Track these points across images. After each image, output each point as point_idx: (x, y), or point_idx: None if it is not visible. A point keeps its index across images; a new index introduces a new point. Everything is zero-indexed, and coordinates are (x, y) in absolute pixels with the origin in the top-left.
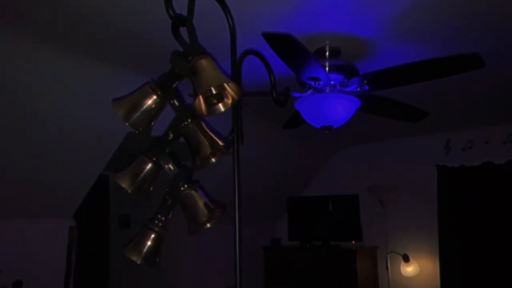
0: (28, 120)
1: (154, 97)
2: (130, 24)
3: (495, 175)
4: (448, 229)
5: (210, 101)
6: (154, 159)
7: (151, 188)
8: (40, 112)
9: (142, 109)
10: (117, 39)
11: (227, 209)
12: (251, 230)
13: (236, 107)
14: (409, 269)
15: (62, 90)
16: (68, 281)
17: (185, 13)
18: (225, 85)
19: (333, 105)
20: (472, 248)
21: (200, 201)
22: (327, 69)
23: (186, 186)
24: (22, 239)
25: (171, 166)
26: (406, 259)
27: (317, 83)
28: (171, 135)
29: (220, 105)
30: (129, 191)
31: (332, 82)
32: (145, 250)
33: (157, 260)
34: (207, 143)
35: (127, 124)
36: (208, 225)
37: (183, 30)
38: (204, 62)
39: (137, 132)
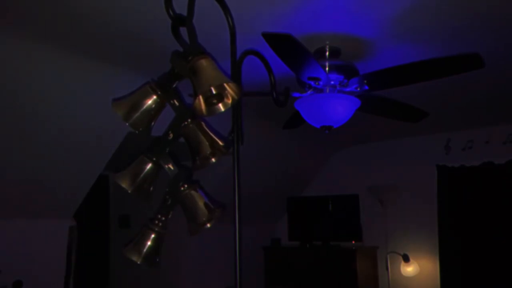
0: (28, 120)
1: (154, 97)
2: (130, 24)
3: (495, 175)
4: (448, 229)
5: (210, 101)
6: (154, 159)
7: (151, 188)
8: (40, 112)
9: (142, 109)
10: (117, 39)
11: (227, 209)
12: (251, 230)
13: (236, 107)
14: (409, 269)
15: (62, 90)
16: (68, 281)
17: (185, 13)
18: (225, 85)
19: (333, 105)
20: (472, 248)
21: (200, 201)
22: (327, 69)
23: (186, 186)
24: (22, 239)
25: (171, 166)
26: (406, 259)
27: (317, 83)
28: (171, 135)
29: (220, 105)
30: (129, 191)
31: (332, 82)
32: (145, 250)
33: (157, 260)
34: (207, 143)
35: (127, 124)
36: (208, 225)
37: (183, 30)
38: (204, 62)
39: (137, 132)
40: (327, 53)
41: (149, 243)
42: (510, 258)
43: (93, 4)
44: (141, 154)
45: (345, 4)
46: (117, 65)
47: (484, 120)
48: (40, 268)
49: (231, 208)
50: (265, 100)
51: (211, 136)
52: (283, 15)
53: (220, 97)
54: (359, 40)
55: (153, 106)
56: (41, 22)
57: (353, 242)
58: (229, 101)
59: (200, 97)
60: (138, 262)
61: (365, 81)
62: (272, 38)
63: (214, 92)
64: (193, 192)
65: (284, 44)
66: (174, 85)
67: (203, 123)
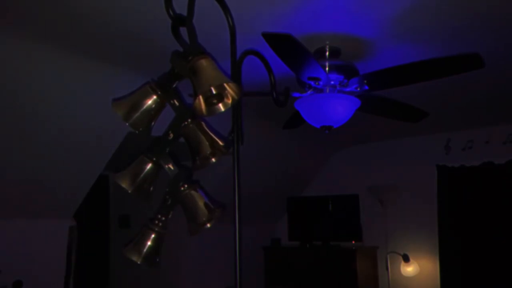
0: (28, 120)
1: (154, 97)
2: (130, 24)
3: (495, 175)
4: (448, 229)
5: (210, 101)
6: (154, 159)
7: (151, 188)
8: (40, 112)
9: (142, 109)
10: (117, 39)
11: (227, 209)
12: (251, 230)
13: (236, 107)
14: (409, 269)
15: (62, 90)
16: (68, 281)
17: (185, 13)
18: (225, 85)
19: (333, 105)
20: (472, 248)
21: (200, 201)
22: (327, 69)
23: (186, 186)
24: (22, 239)
25: (171, 166)
26: (406, 259)
27: (317, 83)
28: (171, 135)
29: (220, 105)
30: (129, 191)
31: (332, 82)
32: (145, 250)
33: (157, 260)
34: (207, 143)
35: (127, 124)
36: (208, 225)
37: (183, 30)
38: (204, 62)
39: (137, 132)
40: (327, 53)
41: (149, 243)
42: (510, 258)
43: (93, 4)
44: (141, 154)
45: (345, 4)
46: (117, 65)
47: (484, 120)
48: (40, 268)
49: (231, 208)
50: (265, 100)
51: (211, 136)
52: (283, 15)
53: (220, 97)
54: (359, 40)
55: (153, 106)
56: (41, 22)
57: (353, 242)
58: (229, 101)
59: (200, 97)
60: (138, 262)
61: (365, 81)
62: (272, 38)
63: (214, 92)
64: (193, 192)
65: (284, 44)
66: (174, 85)
67: (203, 123)
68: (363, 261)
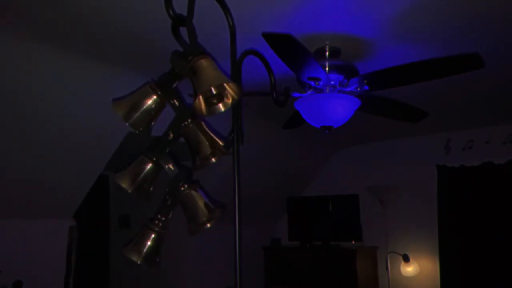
0: (28, 120)
1: (154, 97)
2: (130, 24)
3: (495, 175)
4: (448, 229)
5: (210, 101)
6: (154, 159)
7: (151, 188)
8: (40, 112)
9: (142, 109)
10: (117, 39)
11: (227, 209)
12: (251, 230)
13: (236, 107)
14: (409, 269)
15: (62, 90)
16: (68, 281)
17: (185, 13)
18: (225, 85)
19: (333, 105)
20: (472, 248)
21: (200, 201)
22: (327, 69)
23: (186, 186)
24: (22, 239)
25: (171, 166)
26: (406, 259)
27: (317, 83)
28: (171, 135)
29: (220, 105)
30: (129, 191)
31: (332, 82)
32: (145, 250)
33: (157, 260)
34: (207, 143)
35: (127, 124)
36: (208, 225)
37: (183, 30)
38: (204, 62)
39: (137, 132)
40: (327, 53)
41: (149, 243)
42: (510, 258)
43: (93, 4)
44: (141, 154)
45: (345, 4)
46: (117, 65)
47: (484, 120)
48: (40, 268)
49: (231, 208)
50: (265, 100)
51: (211, 136)
52: (283, 15)
53: (220, 97)
54: (359, 40)
55: (153, 106)
56: (41, 22)
57: (353, 242)
58: (229, 101)
59: (200, 97)
60: (138, 262)
61: (365, 81)
62: (272, 38)
63: (214, 92)
64: (193, 192)
65: (284, 44)
66: (174, 85)
67: (203, 123)
68: (363, 261)
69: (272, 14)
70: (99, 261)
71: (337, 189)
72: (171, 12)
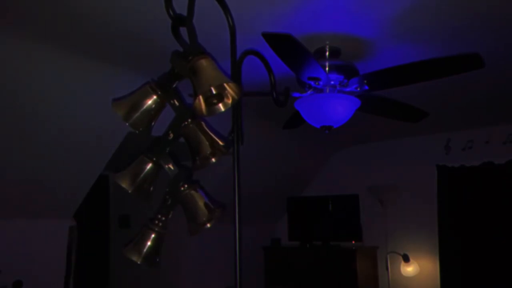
0: (28, 120)
1: (154, 97)
2: (130, 24)
3: (495, 175)
4: (448, 229)
5: (210, 101)
6: (154, 159)
7: (151, 188)
8: (40, 112)
9: (142, 109)
10: (117, 39)
11: (227, 209)
12: (251, 230)
13: (236, 107)
14: (409, 269)
15: (62, 90)
16: (68, 281)
17: (185, 13)
18: (225, 85)
19: (333, 105)
20: (472, 248)
21: (200, 201)
22: (327, 69)
23: (186, 186)
24: (22, 239)
25: (171, 166)
26: (406, 259)
27: (317, 83)
28: (171, 135)
29: (220, 105)
30: (129, 191)
31: (332, 82)
32: (145, 250)
33: (157, 260)
34: (207, 143)
35: (127, 124)
36: (208, 225)
37: (183, 30)
38: (204, 62)
39: (137, 132)
40: (327, 53)
41: (149, 243)
42: (510, 258)
43: (93, 4)
44: (141, 154)
45: (345, 4)
46: (117, 65)
47: (484, 120)
48: (40, 268)
49: (231, 208)
50: (265, 100)
51: (211, 136)
52: (283, 15)
53: (220, 97)
54: (359, 40)
55: (153, 106)
56: (41, 22)
57: (353, 242)
58: (229, 101)
59: (200, 97)
60: (138, 262)
61: (365, 81)
62: (272, 38)
63: (214, 92)
64: (193, 192)
65: (284, 44)
66: (174, 85)
67: (203, 123)
68: (363, 261)
69: (272, 14)
70: (99, 261)
71: (337, 189)
72: (171, 12)
